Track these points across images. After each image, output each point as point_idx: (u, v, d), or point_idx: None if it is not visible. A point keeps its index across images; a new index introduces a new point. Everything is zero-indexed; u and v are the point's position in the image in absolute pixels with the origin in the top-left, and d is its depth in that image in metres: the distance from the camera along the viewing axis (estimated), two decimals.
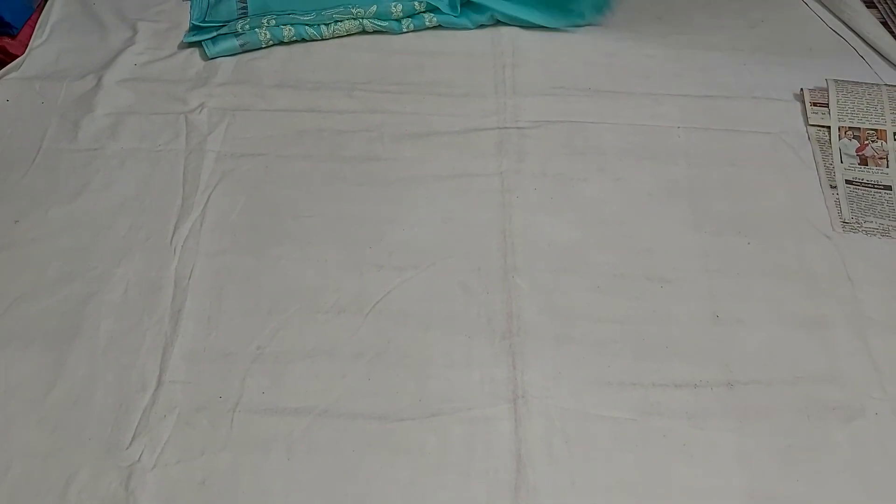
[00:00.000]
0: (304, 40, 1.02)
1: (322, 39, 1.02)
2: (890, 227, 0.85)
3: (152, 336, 0.74)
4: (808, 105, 0.97)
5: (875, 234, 0.85)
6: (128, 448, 0.67)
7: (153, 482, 0.65)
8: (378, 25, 1.02)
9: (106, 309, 0.76)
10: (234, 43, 1.00)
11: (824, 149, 0.94)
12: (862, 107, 0.96)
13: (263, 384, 0.71)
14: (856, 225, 0.86)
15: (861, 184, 0.90)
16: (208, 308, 0.76)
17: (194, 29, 1.02)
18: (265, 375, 0.72)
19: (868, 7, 1.13)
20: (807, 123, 0.96)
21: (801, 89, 1.00)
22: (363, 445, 0.68)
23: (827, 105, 0.97)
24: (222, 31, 1.00)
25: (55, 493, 0.64)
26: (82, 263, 0.79)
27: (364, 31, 1.03)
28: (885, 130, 0.94)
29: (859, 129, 0.95)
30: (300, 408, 0.70)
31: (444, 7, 1.03)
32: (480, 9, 1.04)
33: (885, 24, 1.10)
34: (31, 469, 0.65)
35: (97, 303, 0.76)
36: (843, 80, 0.99)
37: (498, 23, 1.06)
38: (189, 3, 1.05)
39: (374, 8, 1.01)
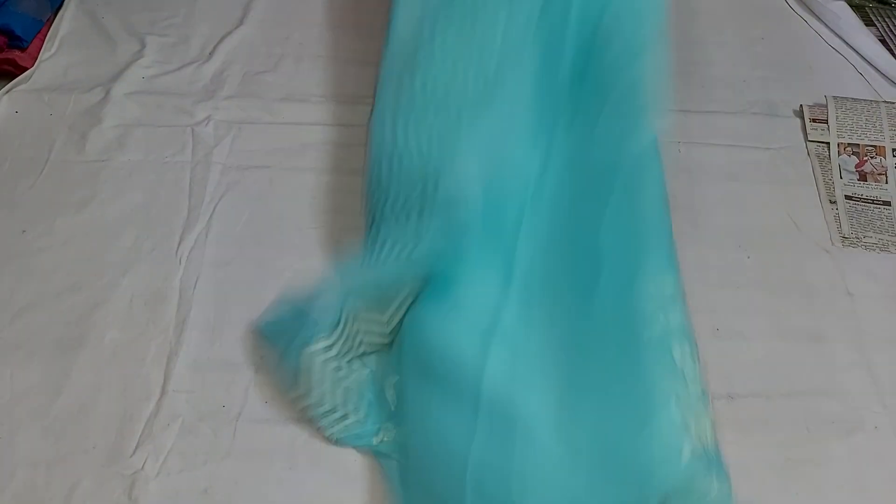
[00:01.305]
0: None
1: None
2: (889, 243, 0.86)
3: (157, 346, 0.74)
4: (807, 121, 0.98)
5: (874, 249, 0.86)
6: (131, 456, 0.67)
7: (156, 491, 0.65)
8: None
9: (111, 319, 0.76)
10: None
11: (823, 164, 0.94)
12: (861, 123, 0.97)
13: (266, 394, 0.72)
14: (855, 240, 0.86)
15: (860, 199, 0.91)
16: (212, 318, 0.77)
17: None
18: (268, 386, 0.73)
19: (867, 25, 1.14)
20: (806, 139, 0.97)
21: (801, 105, 1.01)
22: (365, 456, 0.69)
23: (826, 121, 0.98)
24: None
25: (59, 501, 0.64)
26: (88, 273, 0.80)
27: None
28: (884, 147, 0.95)
29: (858, 145, 0.96)
30: (302, 418, 0.70)
31: None
32: None
33: (883, 41, 1.12)
34: (35, 477, 0.66)
35: (103, 312, 0.77)
36: (841, 97, 1.00)
37: None
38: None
39: None
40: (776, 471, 0.69)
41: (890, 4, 1.18)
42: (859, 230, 0.87)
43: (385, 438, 0.69)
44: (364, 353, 0.74)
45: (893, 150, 0.95)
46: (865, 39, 1.10)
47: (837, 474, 0.69)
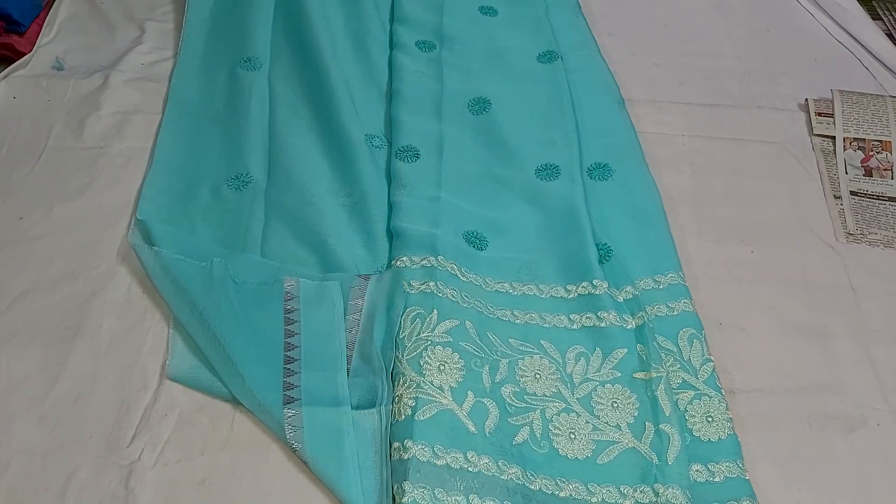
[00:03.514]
0: None
1: None
2: (893, 239, 0.85)
3: (154, 335, 0.74)
4: (812, 115, 0.98)
5: (878, 245, 0.85)
6: (128, 446, 0.66)
7: (153, 481, 0.65)
8: None
9: (108, 307, 0.75)
10: None
11: (828, 159, 0.94)
12: (867, 118, 0.96)
13: None
14: (860, 236, 0.86)
15: (866, 195, 0.90)
16: None
17: None
18: None
19: (873, 19, 1.13)
20: (811, 133, 0.97)
21: (806, 99, 1.00)
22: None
23: (832, 115, 0.97)
24: None
25: (55, 491, 0.64)
26: (85, 261, 0.79)
27: None
28: (890, 142, 0.94)
29: (864, 140, 0.95)
30: None
31: None
32: None
33: (889, 35, 1.11)
34: (32, 466, 0.65)
35: (100, 301, 0.76)
36: (847, 92, 0.99)
37: None
38: None
39: None
40: (778, 466, 0.68)
41: None
42: (864, 226, 0.87)
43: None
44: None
45: None
46: (872, 33, 1.10)
47: (840, 471, 0.68)
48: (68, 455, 0.66)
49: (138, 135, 0.91)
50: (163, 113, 0.92)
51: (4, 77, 0.95)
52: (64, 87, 0.95)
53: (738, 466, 0.66)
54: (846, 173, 0.92)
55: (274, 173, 0.85)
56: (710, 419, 0.69)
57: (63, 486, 0.64)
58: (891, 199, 0.90)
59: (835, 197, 0.90)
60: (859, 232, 0.86)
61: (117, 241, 0.80)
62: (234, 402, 0.69)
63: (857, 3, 1.14)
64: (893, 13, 1.15)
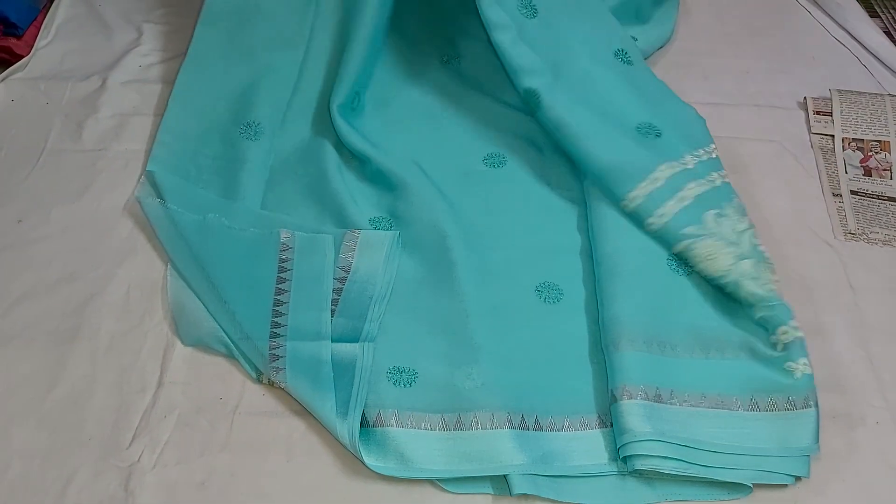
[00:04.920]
0: None
1: None
2: (893, 238, 0.85)
3: (153, 337, 0.74)
4: (811, 114, 0.98)
5: (877, 243, 0.85)
6: (127, 448, 0.67)
7: (152, 483, 0.65)
8: None
9: (107, 309, 0.76)
10: None
11: (827, 157, 0.94)
12: (865, 118, 0.96)
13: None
14: (860, 235, 0.86)
15: (866, 195, 0.90)
16: None
17: None
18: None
19: (871, 16, 1.13)
20: (810, 132, 0.96)
21: (805, 98, 1.00)
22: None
23: (830, 114, 0.97)
24: None
25: (54, 493, 0.64)
26: (84, 264, 0.79)
27: None
28: (889, 142, 0.94)
29: (863, 140, 0.95)
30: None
31: None
32: None
33: (888, 33, 1.11)
34: (31, 469, 0.65)
35: (98, 303, 0.76)
36: (846, 91, 0.99)
37: None
38: None
39: None
40: None
41: None
42: (865, 226, 0.86)
43: None
44: None
45: None
46: (870, 31, 1.09)
47: (838, 469, 0.68)
48: (67, 457, 0.66)
49: (137, 137, 0.91)
50: (186, 52, 0.94)
51: (2, 80, 0.96)
52: (62, 89, 0.95)
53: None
54: (846, 173, 0.92)
55: (285, 127, 0.89)
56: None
57: (62, 488, 0.64)
58: (891, 199, 0.90)
59: (833, 195, 0.90)
60: (860, 231, 0.86)
61: (116, 244, 0.81)
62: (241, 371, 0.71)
63: (855, 0, 1.14)
64: (891, 11, 1.15)
